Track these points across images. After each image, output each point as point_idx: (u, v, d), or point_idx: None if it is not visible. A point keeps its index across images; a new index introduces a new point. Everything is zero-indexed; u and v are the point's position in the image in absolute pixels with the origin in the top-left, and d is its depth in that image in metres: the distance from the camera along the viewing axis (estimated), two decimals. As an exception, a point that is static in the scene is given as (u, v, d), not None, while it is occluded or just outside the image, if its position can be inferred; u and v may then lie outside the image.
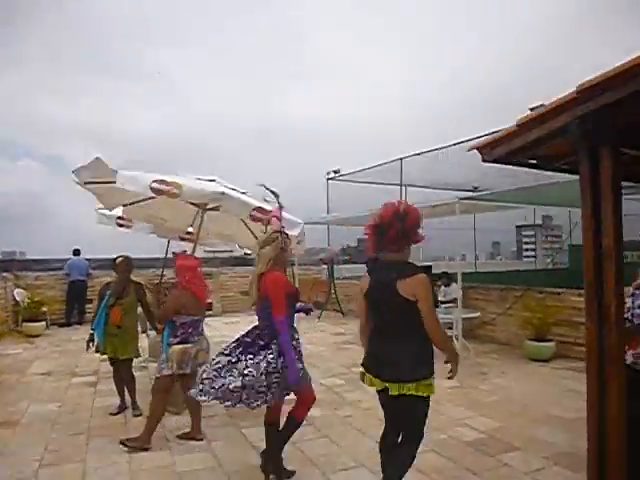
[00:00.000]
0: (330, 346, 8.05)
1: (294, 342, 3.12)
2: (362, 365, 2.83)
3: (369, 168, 11.69)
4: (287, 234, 3.36)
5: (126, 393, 4.82)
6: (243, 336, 3.19)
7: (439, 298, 8.77)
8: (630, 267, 8.64)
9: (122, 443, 3.82)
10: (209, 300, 12.05)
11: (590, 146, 2.52)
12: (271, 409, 3.26)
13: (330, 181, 13.12)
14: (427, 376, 2.61)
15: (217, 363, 3.04)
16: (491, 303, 8.42)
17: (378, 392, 2.76)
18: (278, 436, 3.31)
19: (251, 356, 2.99)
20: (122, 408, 4.80)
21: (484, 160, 2.90)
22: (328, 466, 3.53)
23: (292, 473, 3.35)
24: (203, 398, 3.02)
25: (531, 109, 2.90)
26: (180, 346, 3.94)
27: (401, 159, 10.90)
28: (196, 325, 4.10)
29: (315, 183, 14.13)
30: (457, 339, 6.85)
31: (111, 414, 4.71)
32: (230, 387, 2.90)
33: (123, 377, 4.78)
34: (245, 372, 2.92)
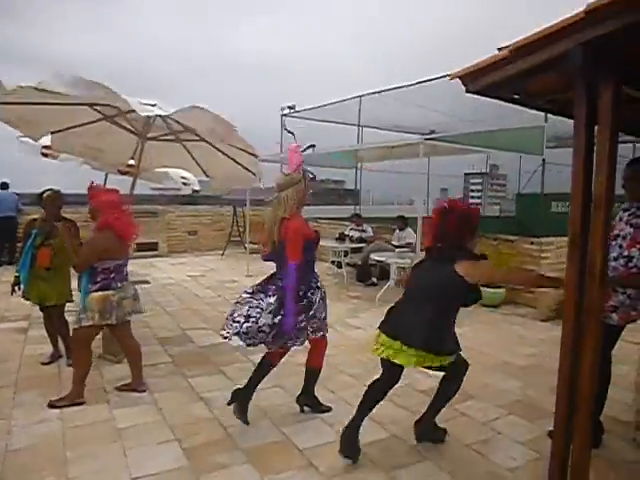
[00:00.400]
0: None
1: (311, 291, 3.14)
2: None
3: (326, 105, 11.13)
4: (311, 174, 3.20)
5: (60, 340, 4.41)
6: (265, 283, 3.17)
7: (393, 242, 8.68)
8: (562, 217, 8.79)
9: (51, 406, 3.44)
10: (154, 240, 11.68)
11: (589, 81, 2.24)
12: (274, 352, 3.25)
13: (285, 118, 12.48)
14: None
15: (244, 299, 3.05)
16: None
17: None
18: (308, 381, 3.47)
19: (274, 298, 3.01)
20: (55, 357, 4.40)
21: (468, 91, 2.56)
22: (282, 415, 3.34)
23: (329, 408, 3.47)
24: (224, 333, 2.98)
25: (499, 49, 2.57)
26: (99, 293, 3.49)
27: (360, 97, 10.40)
28: (120, 270, 3.64)
29: (271, 120, 13.45)
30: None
31: (43, 363, 4.30)
32: (260, 324, 2.91)
33: (55, 323, 4.34)
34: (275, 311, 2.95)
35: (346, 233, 9.21)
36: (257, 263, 10.50)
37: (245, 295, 3.08)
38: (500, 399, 3.69)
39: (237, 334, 2.91)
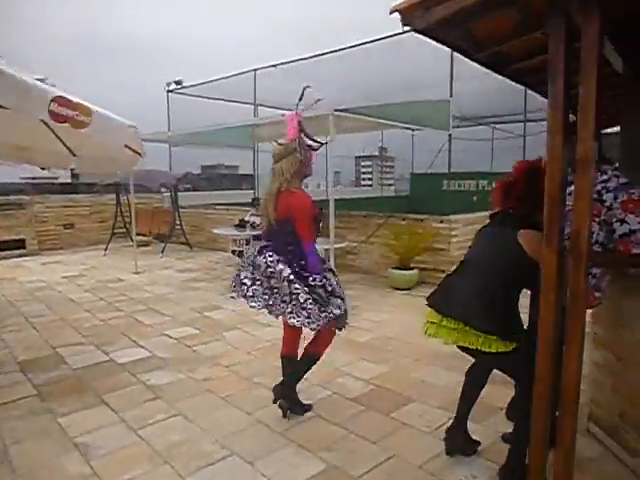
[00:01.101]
0: (178, 286, 6.87)
1: (326, 276, 2.87)
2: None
3: (217, 80, 10.14)
4: (309, 145, 2.91)
5: None
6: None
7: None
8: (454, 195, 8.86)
9: None
10: (21, 236, 9.98)
11: (568, 11, 1.77)
12: (287, 340, 3.08)
13: (171, 94, 11.27)
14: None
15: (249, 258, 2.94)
16: (353, 231, 7.99)
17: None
18: (293, 369, 3.08)
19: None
20: None
21: (415, 29, 1.99)
22: (185, 460, 2.59)
23: (310, 407, 3.15)
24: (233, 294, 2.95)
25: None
26: None
27: (255, 70, 9.58)
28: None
29: (156, 101, 12.11)
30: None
31: None
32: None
33: None
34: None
35: (246, 219, 8.45)
36: (147, 258, 9.46)
37: (254, 257, 2.89)
38: (440, 398, 3.27)
39: (244, 296, 2.83)
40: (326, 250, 6.24)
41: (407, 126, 6.45)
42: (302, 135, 2.87)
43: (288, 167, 2.82)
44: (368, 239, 7.67)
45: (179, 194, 10.64)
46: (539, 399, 2.01)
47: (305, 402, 3.17)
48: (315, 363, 3.07)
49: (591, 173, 1.78)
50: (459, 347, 2.36)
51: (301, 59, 8.50)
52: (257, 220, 8.39)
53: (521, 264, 2.23)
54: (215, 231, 8.14)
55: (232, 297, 3.02)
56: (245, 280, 2.86)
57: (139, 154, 4.00)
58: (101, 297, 6.21)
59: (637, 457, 2.44)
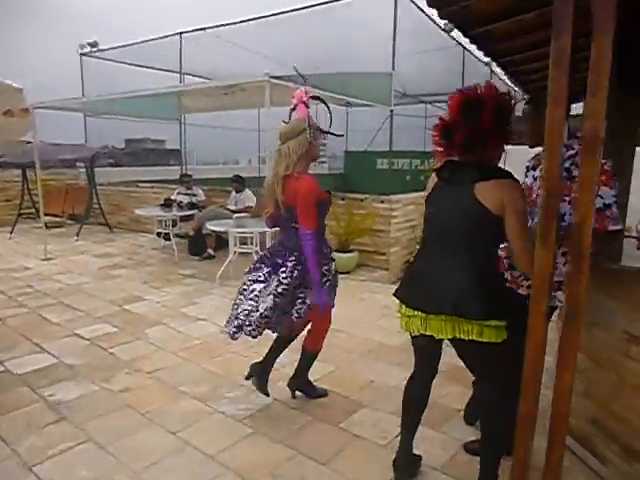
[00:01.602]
0: (94, 275, 6.11)
1: (326, 263, 2.74)
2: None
3: (139, 43, 9.16)
4: (318, 126, 2.71)
5: None
6: (274, 255, 2.75)
7: (229, 207, 7.55)
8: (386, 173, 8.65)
9: None
10: None
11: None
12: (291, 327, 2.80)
13: (86, 58, 10.11)
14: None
15: (252, 292, 2.68)
16: (288, 211, 7.55)
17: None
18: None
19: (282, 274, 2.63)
20: None
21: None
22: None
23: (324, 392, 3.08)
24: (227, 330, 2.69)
25: None
26: None
27: (180, 34, 8.72)
28: None
29: (70, 67, 10.84)
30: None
31: None
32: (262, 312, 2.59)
33: None
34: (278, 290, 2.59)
35: (173, 198, 7.77)
36: (59, 242, 8.49)
37: (252, 285, 2.70)
38: (393, 402, 2.94)
39: (241, 329, 2.62)
40: (261, 234, 5.78)
41: (347, 98, 6.01)
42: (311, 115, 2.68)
43: (295, 148, 2.61)
44: (305, 220, 7.26)
45: (100, 170, 9.65)
46: (524, 420, 1.71)
47: (243, 412, 2.82)
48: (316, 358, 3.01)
49: (599, 157, 1.45)
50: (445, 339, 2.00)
51: (231, 23, 7.78)
52: (185, 199, 7.74)
53: (490, 225, 1.85)
54: (137, 212, 7.40)
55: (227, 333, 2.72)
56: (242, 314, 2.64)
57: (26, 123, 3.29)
58: (1, 290, 5.38)
59: (609, 466, 2.25)
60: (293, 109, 2.73)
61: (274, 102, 4.91)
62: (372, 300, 5.16)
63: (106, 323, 4.30)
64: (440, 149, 2.00)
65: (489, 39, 2.52)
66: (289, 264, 2.61)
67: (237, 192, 7.56)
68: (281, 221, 2.75)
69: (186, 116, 10.23)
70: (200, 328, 4.19)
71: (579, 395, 2.43)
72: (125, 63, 9.94)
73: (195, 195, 7.88)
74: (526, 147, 2.34)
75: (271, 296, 2.57)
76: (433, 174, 2.11)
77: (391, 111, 6.26)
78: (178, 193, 7.94)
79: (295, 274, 2.60)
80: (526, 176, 2.39)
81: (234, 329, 2.63)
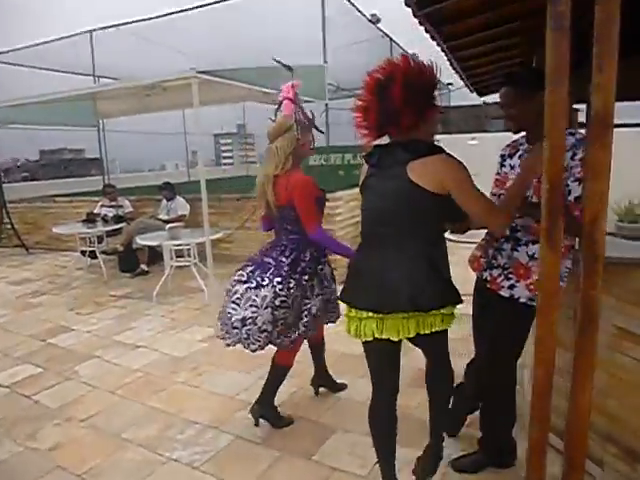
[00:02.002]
0: (11, 305, 5.39)
1: (320, 266, 2.63)
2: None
3: (43, 43, 8.30)
4: (306, 120, 2.57)
5: None
6: (262, 254, 2.60)
7: (161, 216, 7.02)
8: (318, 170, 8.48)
9: None
10: None
11: None
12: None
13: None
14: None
15: (234, 293, 2.49)
16: (225, 216, 7.12)
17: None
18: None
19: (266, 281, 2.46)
20: None
21: None
22: None
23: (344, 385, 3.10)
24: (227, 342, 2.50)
25: None
26: None
27: (90, 32, 7.99)
28: None
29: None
30: (198, 273, 5.34)
31: None
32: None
33: None
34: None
35: (97, 212, 7.11)
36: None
37: (235, 285, 2.52)
38: (363, 420, 2.66)
39: (239, 341, 2.47)
40: (198, 244, 5.34)
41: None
42: (299, 110, 2.55)
43: (284, 147, 2.51)
44: (244, 224, 6.88)
45: (9, 186, 8.72)
46: (536, 448, 1.49)
47: (200, 455, 2.48)
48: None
49: (611, 138, 1.24)
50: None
51: (148, 19, 7.21)
52: (110, 212, 7.10)
53: (430, 206, 1.72)
54: (56, 230, 6.68)
55: (221, 338, 2.56)
56: (235, 323, 2.46)
57: None
58: None
59: (606, 469, 2.12)
60: (279, 106, 2.60)
61: (203, 101, 4.50)
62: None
63: (28, 363, 3.73)
64: (364, 131, 1.84)
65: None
66: (283, 272, 2.46)
67: (168, 200, 7.04)
68: (275, 222, 2.63)
69: (105, 122, 9.47)
70: (140, 357, 3.73)
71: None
72: (25, 66, 9.01)
73: (121, 207, 7.26)
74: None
75: (269, 309, 2.41)
76: (364, 162, 1.97)
77: (326, 105, 6.01)
78: (102, 206, 7.28)
79: (292, 284, 2.47)
80: (502, 165, 2.19)
81: (231, 341, 2.50)
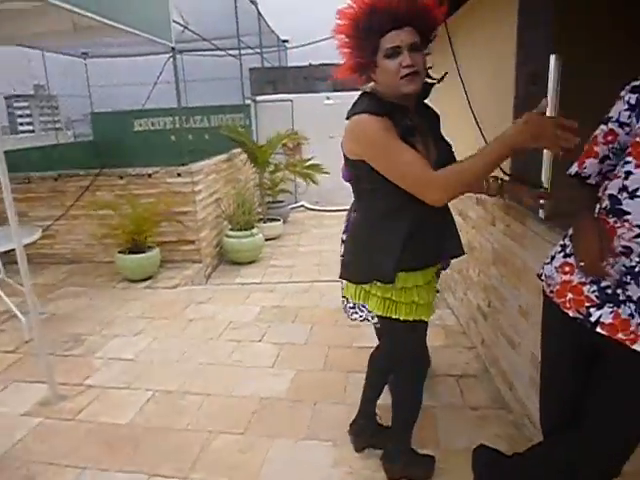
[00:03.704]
0: None
1: None
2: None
3: None
4: None
5: None
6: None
7: None
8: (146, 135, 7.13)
9: None
10: None
11: None
12: None
13: None
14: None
15: None
16: (39, 202, 5.26)
17: None
18: None
19: None
20: None
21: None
22: None
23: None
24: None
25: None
26: None
27: None
28: None
29: None
30: (5, 292, 3.65)
31: None
32: None
33: None
34: None
35: None
36: None
37: None
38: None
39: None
40: (5, 253, 3.57)
41: (122, 27, 3.84)
42: None
43: None
44: (68, 212, 5.16)
45: None
46: None
47: None
48: None
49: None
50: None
51: None
52: None
53: (359, 172, 1.54)
54: None
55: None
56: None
57: None
58: None
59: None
60: None
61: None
62: (205, 317, 3.70)
63: None
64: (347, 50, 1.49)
65: None
66: None
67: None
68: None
69: None
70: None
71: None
72: None
73: None
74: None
75: None
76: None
77: (172, 49, 4.54)
78: None
79: None
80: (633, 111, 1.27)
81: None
